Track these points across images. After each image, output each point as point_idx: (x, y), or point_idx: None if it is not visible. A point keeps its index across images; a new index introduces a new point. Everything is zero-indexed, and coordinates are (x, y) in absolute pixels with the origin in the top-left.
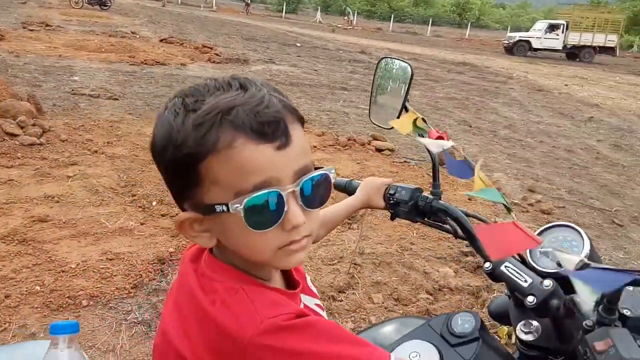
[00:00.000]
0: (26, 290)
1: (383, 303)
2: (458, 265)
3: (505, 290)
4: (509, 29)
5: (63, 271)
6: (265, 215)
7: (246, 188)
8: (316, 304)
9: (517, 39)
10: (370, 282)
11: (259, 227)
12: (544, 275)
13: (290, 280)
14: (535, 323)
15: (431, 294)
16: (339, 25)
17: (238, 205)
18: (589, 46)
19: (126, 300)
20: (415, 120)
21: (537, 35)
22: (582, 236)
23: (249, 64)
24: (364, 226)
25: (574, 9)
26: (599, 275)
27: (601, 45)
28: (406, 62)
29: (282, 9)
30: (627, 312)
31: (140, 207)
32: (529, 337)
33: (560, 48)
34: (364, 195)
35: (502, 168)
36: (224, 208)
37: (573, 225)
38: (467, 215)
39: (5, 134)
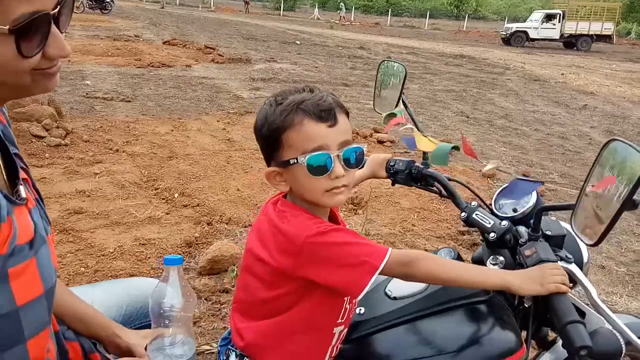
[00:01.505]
0: (73, 272)
1: None
2: (456, 243)
3: (481, 237)
4: (506, 19)
5: (103, 255)
6: (319, 167)
7: (308, 149)
8: None
9: (514, 29)
10: None
11: (315, 174)
12: (502, 219)
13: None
14: (500, 257)
15: None
16: (337, 22)
17: (303, 158)
18: (586, 35)
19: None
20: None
21: (534, 25)
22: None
23: (251, 63)
24: (368, 211)
25: None
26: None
27: (598, 33)
28: (401, 64)
29: (280, 6)
30: (549, 232)
31: (163, 199)
32: (495, 268)
33: (558, 37)
34: (370, 168)
35: (497, 155)
36: (295, 161)
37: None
38: (450, 179)
39: (32, 136)
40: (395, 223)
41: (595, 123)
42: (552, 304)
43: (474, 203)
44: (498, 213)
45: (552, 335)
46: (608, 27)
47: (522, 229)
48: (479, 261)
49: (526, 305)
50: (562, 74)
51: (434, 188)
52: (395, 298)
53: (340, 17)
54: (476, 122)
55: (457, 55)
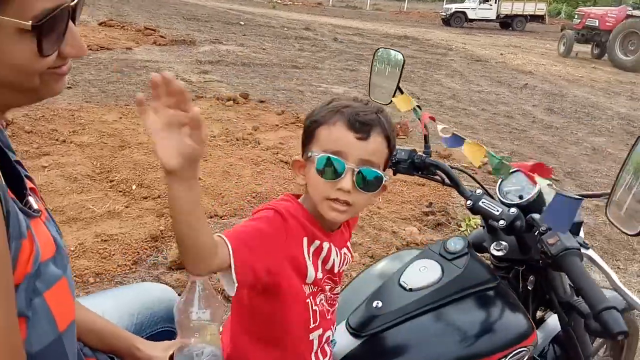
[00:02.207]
0: None
1: (360, 260)
2: (421, 223)
3: (481, 223)
4: (444, 0)
5: None
6: (328, 169)
7: (328, 149)
8: (344, 254)
9: (453, 10)
10: None
11: (322, 174)
12: (509, 206)
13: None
14: (504, 243)
15: (401, 250)
16: (279, 1)
17: (317, 154)
18: (521, 15)
19: (129, 275)
20: (411, 103)
21: (472, 6)
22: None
23: (196, 45)
24: None
25: None
26: (565, 202)
27: (532, 13)
28: (399, 51)
29: None
30: None
31: (120, 191)
32: (499, 253)
33: (494, 18)
34: None
35: None
36: (312, 153)
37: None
38: (452, 168)
39: None
40: None
41: (536, 102)
42: (584, 292)
43: (478, 191)
44: (504, 200)
45: (539, 314)
46: (541, 8)
47: (538, 217)
48: (479, 246)
49: (529, 288)
50: (501, 54)
51: (437, 177)
52: (411, 289)
53: None
54: (427, 103)
55: (401, 36)
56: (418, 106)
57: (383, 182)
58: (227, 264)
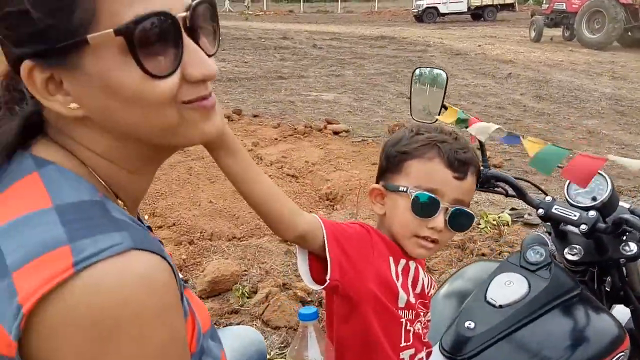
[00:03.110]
0: None
1: None
2: None
3: (543, 229)
4: None
5: None
6: (424, 208)
7: (423, 186)
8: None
9: (425, 6)
10: None
11: (416, 212)
12: (585, 209)
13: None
14: (578, 247)
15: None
16: (250, 12)
17: (413, 191)
18: (491, 5)
19: None
20: (458, 114)
21: (443, 0)
22: (605, 179)
23: None
24: (348, 205)
25: None
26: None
27: (502, 2)
28: (441, 69)
29: None
30: None
31: None
32: (575, 258)
33: (466, 10)
34: None
35: None
36: (405, 189)
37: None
38: (517, 179)
39: None
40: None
41: (523, 90)
42: None
43: (547, 198)
44: (576, 204)
45: None
46: None
47: (629, 217)
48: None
49: (607, 289)
50: (479, 45)
51: (498, 189)
52: (501, 306)
53: (247, 7)
54: None
55: (378, 36)
56: (465, 118)
57: (474, 222)
58: (319, 243)
